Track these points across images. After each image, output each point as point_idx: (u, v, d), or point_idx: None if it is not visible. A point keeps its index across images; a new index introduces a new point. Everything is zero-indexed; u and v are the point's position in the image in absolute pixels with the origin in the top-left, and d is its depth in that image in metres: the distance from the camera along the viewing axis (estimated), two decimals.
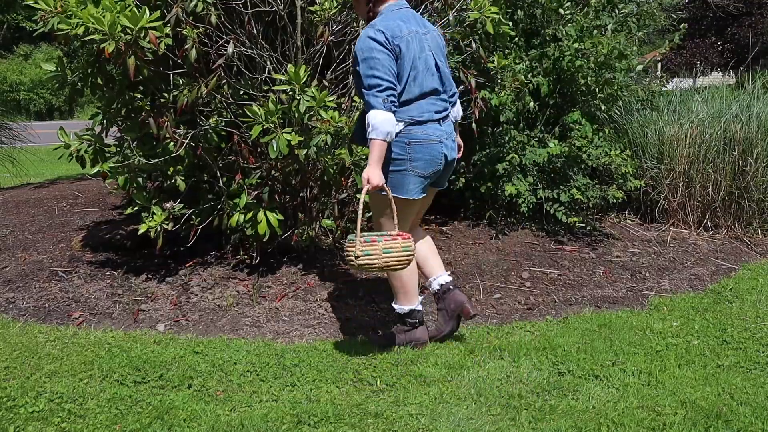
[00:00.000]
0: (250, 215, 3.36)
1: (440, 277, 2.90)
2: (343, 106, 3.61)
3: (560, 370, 2.67)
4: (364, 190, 2.48)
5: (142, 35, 2.91)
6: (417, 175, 2.61)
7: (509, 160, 4.12)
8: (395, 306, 2.85)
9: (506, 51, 4.05)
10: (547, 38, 4.38)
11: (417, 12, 3.64)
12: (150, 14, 2.92)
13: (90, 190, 5.30)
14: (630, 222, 4.68)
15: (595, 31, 4.23)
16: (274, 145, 3.06)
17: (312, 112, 3.03)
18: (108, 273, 3.64)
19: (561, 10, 4.17)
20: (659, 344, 2.91)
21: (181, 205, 3.37)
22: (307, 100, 3.01)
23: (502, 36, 3.85)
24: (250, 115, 3.04)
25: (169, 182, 3.39)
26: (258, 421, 2.27)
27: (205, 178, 3.63)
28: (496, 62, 3.85)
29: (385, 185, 2.53)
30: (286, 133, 3.08)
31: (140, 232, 3.31)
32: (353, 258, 2.44)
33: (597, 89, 4.26)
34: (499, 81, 3.96)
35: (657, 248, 4.25)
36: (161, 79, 3.30)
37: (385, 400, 2.43)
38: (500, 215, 4.40)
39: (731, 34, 15.55)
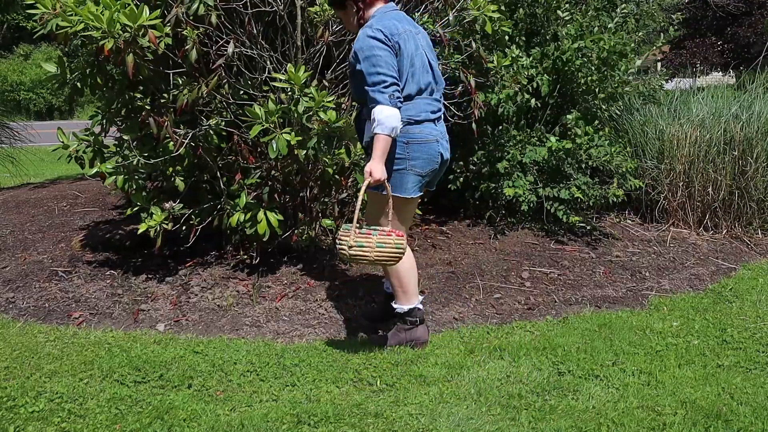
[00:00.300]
0: (249, 215, 3.36)
1: None
2: (343, 106, 3.61)
3: (560, 370, 2.67)
4: (365, 183, 2.49)
5: (141, 33, 2.91)
6: (415, 174, 2.64)
7: (509, 159, 4.12)
8: (395, 305, 2.86)
9: (506, 50, 4.04)
10: (548, 37, 4.38)
11: (417, 11, 3.65)
12: (149, 13, 2.92)
13: (90, 190, 5.30)
14: (630, 222, 4.68)
15: (596, 29, 4.23)
16: (274, 146, 3.06)
17: (311, 113, 3.03)
18: (108, 273, 3.64)
19: (559, 12, 4.17)
20: (659, 344, 2.91)
21: (181, 205, 3.37)
22: (307, 101, 3.02)
23: (501, 36, 3.86)
24: (250, 115, 3.05)
25: (168, 182, 3.39)
26: (258, 421, 2.27)
27: (205, 178, 3.63)
28: (496, 62, 3.85)
29: (386, 182, 2.55)
30: (285, 133, 3.08)
31: (140, 231, 3.31)
32: (345, 247, 2.45)
33: (597, 88, 4.25)
34: (499, 80, 3.96)
35: (657, 248, 4.25)
36: (161, 79, 3.30)
37: (385, 400, 2.43)
38: (500, 215, 4.40)
39: (731, 34, 15.54)
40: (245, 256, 3.73)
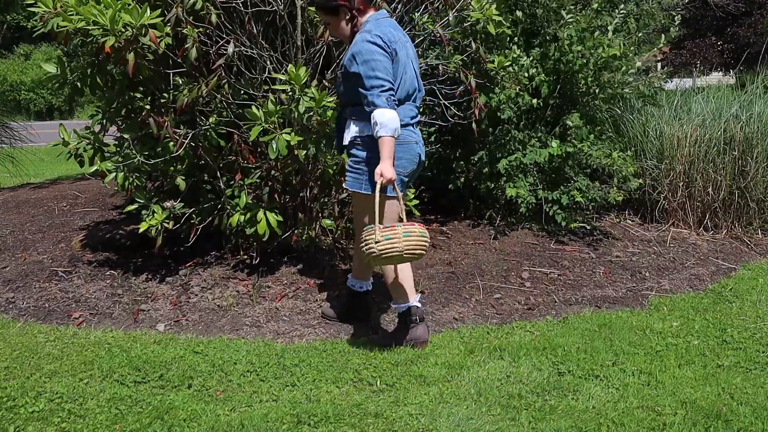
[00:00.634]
0: (249, 215, 3.36)
1: (366, 283, 3.12)
2: None
3: (560, 370, 2.67)
4: (378, 185, 2.53)
5: (142, 32, 2.92)
6: (398, 173, 2.71)
7: (509, 159, 4.12)
8: (393, 305, 2.89)
9: (506, 51, 4.04)
10: (548, 38, 4.37)
11: (417, 11, 3.65)
12: (150, 12, 2.93)
13: (90, 190, 5.30)
14: (630, 222, 4.68)
15: (597, 33, 4.23)
16: (274, 146, 3.07)
17: (312, 113, 3.04)
18: (108, 273, 3.64)
19: (562, 12, 4.17)
20: (659, 344, 2.91)
21: (181, 204, 3.37)
22: (307, 101, 3.02)
23: (502, 38, 3.86)
24: (249, 117, 3.05)
25: (169, 182, 3.39)
26: (258, 421, 2.27)
27: (205, 177, 3.63)
28: (496, 63, 3.85)
29: (395, 184, 2.61)
30: (285, 133, 3.08)
31: (140, 230, 3.31)
32: (373, 245, 2.47)
33: (597, 90, 4.26)
34: (499, 81, 3.96)
35: (657, 248, 4.25)
36: (161, 79, 3.30)
37: (385, 400, 2.43)
38: (500, 215, 4.40)
39: (731, 34, 15.53)
40: (245, 256, 3.73)
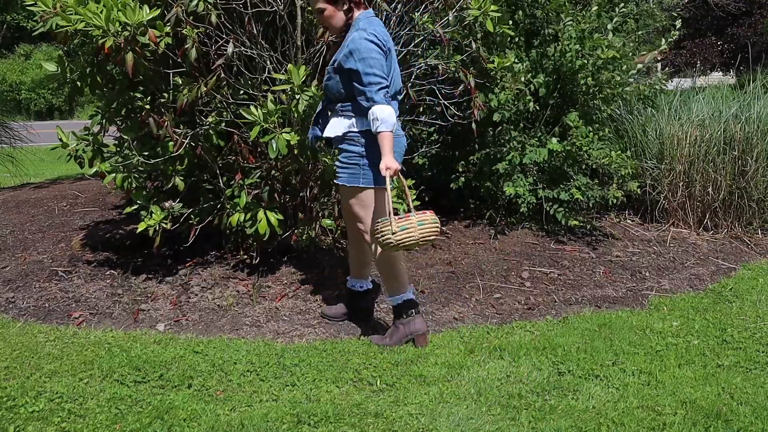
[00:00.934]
0: (249, 215, 3.36)
1: (365, 282, 3.16)
2: None
3: (560, 369, 2.67)
4: (389, 178, 2.62)
5: (140, 32, 2.92)
6: None
7: (509, 159, 4.12)
8: (390, 299, 2.91)
9: (506, 51, 4.04)
10: (548, 38, 4.37)
11: (417, 11, 3.65)
12: (149, 11, 2.93)
13: (90, 190, 5.30)
14: (630, 222, 4.68)
15: (597, 34, 4.23)
16: (274, 145, 3.07)
17: (312, 112, 3.04)
18: (108, 273, 3.64)
19: (562, 16, 4.17)
20: (659, 344, 2.91)
21: (181, 204, 3.37)
22: (307, 100, 3.02)
23: (503, 38, 3.86)
24: (248, 117, 3.05)
25: (168, 182, 3.39)
26: (258, 420, 2.27)
27: (205, 177, 3.63)
28: (496, 63, 3.85)
29: (400, 175, 2.72)
30: (285, 133, 3.08)
31: (139, 230, 3.31)
32: (390, 235, 2.54)
33: (596, 90, 4.26)
34: (499, 81, 3.96)
35: (657, 248, 4.25)
36: (161, 79, 3.29)
37: (385, 399, 2.43)
38: (500, 215, 4.40)
39: (731, 34, 15.54)
40: (245, 256, 3.73)
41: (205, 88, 3.11)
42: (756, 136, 4.45)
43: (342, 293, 3.40)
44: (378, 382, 2.57)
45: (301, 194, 3.71)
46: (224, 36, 3.28)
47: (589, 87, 4.24)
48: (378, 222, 2.63)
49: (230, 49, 3.17)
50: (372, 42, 2.63)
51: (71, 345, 2.88)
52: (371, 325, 3.14)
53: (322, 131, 2.88)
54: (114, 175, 3.27)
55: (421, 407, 2.37)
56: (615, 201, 4.20)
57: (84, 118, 14.76)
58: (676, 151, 4.50)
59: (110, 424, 2.25)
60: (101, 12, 2.84)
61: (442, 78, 3.81)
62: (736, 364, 2.72)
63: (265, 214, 3.36)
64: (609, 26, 4.32)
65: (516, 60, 4.03)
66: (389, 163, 2.61)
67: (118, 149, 3.37)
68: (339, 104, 2.79)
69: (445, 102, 3.84)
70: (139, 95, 3.35)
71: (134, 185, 3.30)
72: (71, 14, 2.90)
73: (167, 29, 3.02)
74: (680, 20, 4.93)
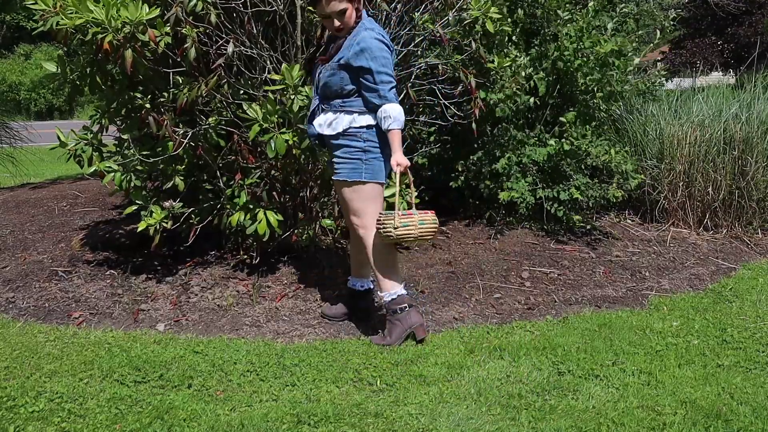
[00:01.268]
0: (249, 215, 3.36)
1: (366, 281, 3.18)
2: None
3: (560, 369, 2.67)
4: (398, 174, 2.73)
5: (140, 29, 2.92)
6: (386, 160, 2.86)
7: (508, 159, 4.12)
8: (384, 294, 2.90)
9: (505, 50, 4.04)
10: (547, 38, 4.37)
11: (417, 11, 3.65)
12: (148, 10, 2.93)
13: (90, 190, 5.30)
14: (630, 222, 4.68)
15: (594, 31, 4.23)
16: (272, 145, 3.07)
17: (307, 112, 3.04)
18: (108, 273, 3.64)
19: (559, 12, 4.17)
20: (659, 344, 2.91)
21: (181, 204, 3.37)
22: (302, 100, 3.03)
23: (501, 38, 3.85)
24: (248, 114, 3.05)
25: (168, 182, 3.39)
26: (258, 420, 2.27)
27: (205, 177, 3.63)
28: (496, 62, 3.85)
29: (408, 171, 2.78)
30: (284, 132, 3.08)
31: (139, 230, 3.31)
32: (391, 229, 2.67)
33: (596, 88, 4.25)
34: (499, 80, 3.96)
35: (657, 248, 4.25)
36: (161, 79, 3.29)
37: (385, 399, 2.43)
38: (499, 215, 4.40)
39: (731, 33, 15.53)
40: (245, 256, 3.73)
41: (205, 88, 3.11)
42: (756, 136, 4.45)
43: (342, 293, 3.40)
44: (378, 382, 2.57)
45: (301, 194, 3.71)
46: (224, 36, 3.28)
47: (588, 86, 4.23)
48: (382, 214, 2.75)
49: (230, 48, 3.17)
50: (382, 42, 2.70)
51: (71, 345, 2.88)
52: (371, 325, 3.14)
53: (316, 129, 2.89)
54: (113, 174, 3.27)
55: (421, 407, 2.37)
56: (615, 200, 4.20)
57: (84, 118, 14.76)
58: (676, 150, 4.50)
59: (110, 424, 2.25)
60: (102, 10, 2.85)
61: (442, 78, 3.81)
62: (736, 364, 2.72)
63: (264, 214, 3.36)
64: (609, 26, 4.32)
65: (518, 54, 4.03)
66: (400, 159, 2.71)
67: (118, 149, 3.37)
68: (338, 100, 2.79)
69: (445, 102, 3.84)
70: (138, 95, 3.34)
71: (133, 185, 3.30)
72: (71, 13, 2.90)
73: (167, 29, 3.02)
74: (675, 15, 4.94)
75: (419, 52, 3.84)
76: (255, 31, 3.35)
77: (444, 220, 4.49)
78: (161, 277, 3.59)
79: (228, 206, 3.46)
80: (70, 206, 4.83)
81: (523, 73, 4.01)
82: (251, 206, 3.38)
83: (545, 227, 4.35)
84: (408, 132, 4.25)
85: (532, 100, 4.16)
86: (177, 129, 3.24)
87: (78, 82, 3.30)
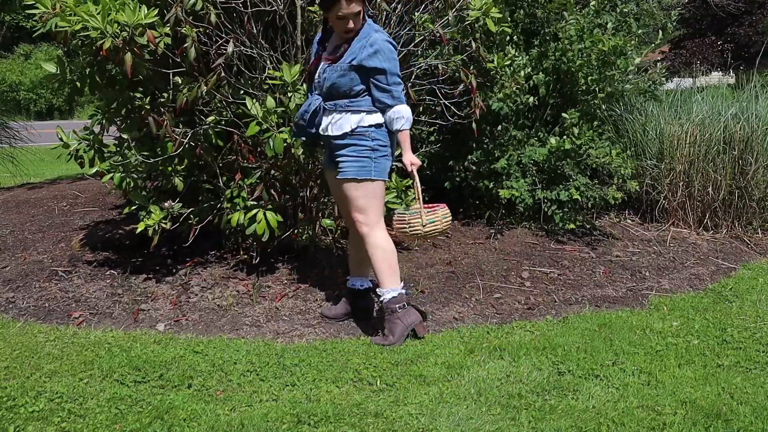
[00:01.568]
0: (249, 215, 3.36)
1: (365, 280, 3.18)
2: None
3: (560, 369, 2.67)
4: (415, 172, 2.86)
5: (138, 32, 2.91)
6: (390, 160, 2.93)
7: (508, 158, 4.12)
8: (385, 291, 2.89)
9: (506, 50, 4.04)
10: (548, 38, 4.37)
11: (417, 11, 3.65)
12: (147, 12, 2.92)
13: (90, 190, 5.30)
14: (630, 222, 4.68)
15: (596, 30, 4.23)
16: (271, 144, 3.07)
17: None
18: (108, 273, 3.64)
19: (565, 14, 4.17)
20: (659, 344, 2.91)
21: (180, 204, 3.37)
22: (299, 98, 3.03)
23: (502, 37, 3.85)
24: (248, 111, 3.05)
25: (168, 182, 3.39)
26: (258, 420, 2.27)
27: (205, 177, 3.63)
28: (496, 62, 3.85)
29: (415, 171, 2.87)
30: (282, 132, 3.08)
31: (138, 230, 3.31)
32: (420, 227, 2.84)
33: (596, 88, 4.25)
34: (499, 80, 3.96)
35: (657, 248, 4.25)
36: (161, 79, 3.29)
37: (385, 399, 2.43)
38: (499, 215, 4.40)
39: (731, 33, 15.54)
40: (245, 256, 3.73)
41: (205, 88, 3.11)
42: (756, 136, 4.45)
43: (342, 293, 3.40)
44: (378, 382, 2.57)
45: (300, 194, 3.71)
46: (224, 35, 3.28)
47: (590, 86, 4.23)
48: (406, 213, 2.91)
49: (230, 48, 3.17)
50: (391, 44, 2.77)
51: (71, 345, 2.88)
52: (371, 324, 3.14)
53: (317, 130, 2.88)
54: (112, 174, 3.27)
55: (421, 407, 2.37)
56: (614, 202, 4.20)
57: (84, 118, 14.75)
58: (676, 150, 4.50)
59: (110, 424, 2.25)
60: (98, 13, 2.84)
61: (442, 78, 3.81)
62: (736, 364, 2.72)
63: (264, 214, 3.35)
64: (609, 25, 4.32)
65: (516, 54, 4.03)
66: (413, 159, 2.84)
67: (118, 149, 3.37)
68: (345, 100, 2.79)
69: (445, 102, 3.84)
70: (138, 95, 3.34)
71: (132, 185, 3.30)
72: (70, 15, 2.90)
73: (166, 29, 3.02)
74: (676, 11, 4.94)
75: (419, 52, 3.84)
76: (255, 30, 3.35)
77: None
78: (161, 277, 3.59)
79: (228, 206, 3.45)
80: (70, 206, 4.83)
81: (522, 73, 4.01)
82: (251, 206, 3.38)
83: (545, 227, 4.35)
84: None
85: (531, 99, 4.16)
86: (177, 129, 3.24)
87: (78, 83, 3.30)
